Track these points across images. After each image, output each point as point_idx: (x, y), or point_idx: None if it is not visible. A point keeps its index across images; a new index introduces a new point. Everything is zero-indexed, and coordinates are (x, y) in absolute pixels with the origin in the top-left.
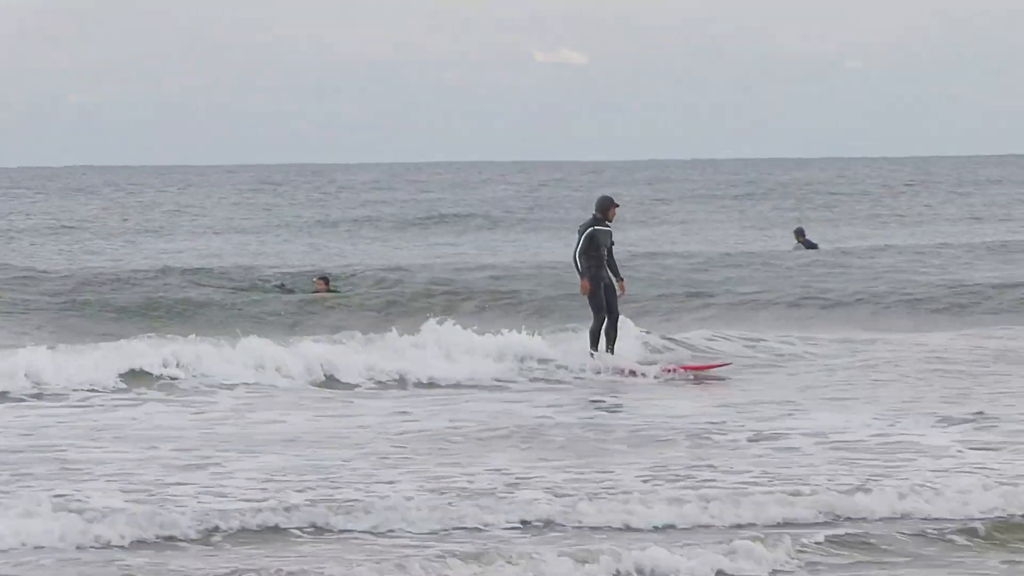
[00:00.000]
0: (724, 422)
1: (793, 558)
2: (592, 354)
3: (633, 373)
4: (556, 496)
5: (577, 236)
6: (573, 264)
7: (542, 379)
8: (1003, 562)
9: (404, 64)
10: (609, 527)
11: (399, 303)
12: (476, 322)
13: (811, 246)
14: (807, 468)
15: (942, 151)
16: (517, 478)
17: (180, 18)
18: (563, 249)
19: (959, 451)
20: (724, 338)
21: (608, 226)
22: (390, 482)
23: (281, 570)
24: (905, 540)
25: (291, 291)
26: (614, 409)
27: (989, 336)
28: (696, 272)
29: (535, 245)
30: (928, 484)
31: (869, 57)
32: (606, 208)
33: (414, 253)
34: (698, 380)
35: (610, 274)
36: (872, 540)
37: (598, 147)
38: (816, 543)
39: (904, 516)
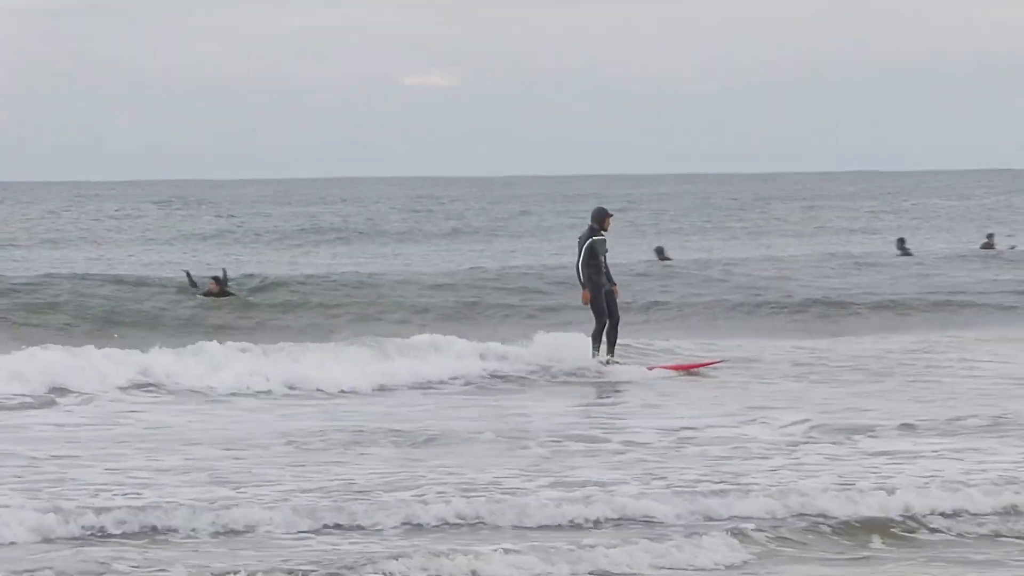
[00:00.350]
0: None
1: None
2: (598, 357)
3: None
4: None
5: (578, 248)
6: (576, 274)
7: (423, 384)
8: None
9: (281, 86)
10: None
11: (291, 309)
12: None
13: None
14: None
15: (776, 168)
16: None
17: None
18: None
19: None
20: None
21: (603, 235)
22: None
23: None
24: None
25: (195, 284)
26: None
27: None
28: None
29: (419, 254)
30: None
31: (707, 81)
32: (602, 219)
33: (317, 262)
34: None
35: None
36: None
37: (463, 164)
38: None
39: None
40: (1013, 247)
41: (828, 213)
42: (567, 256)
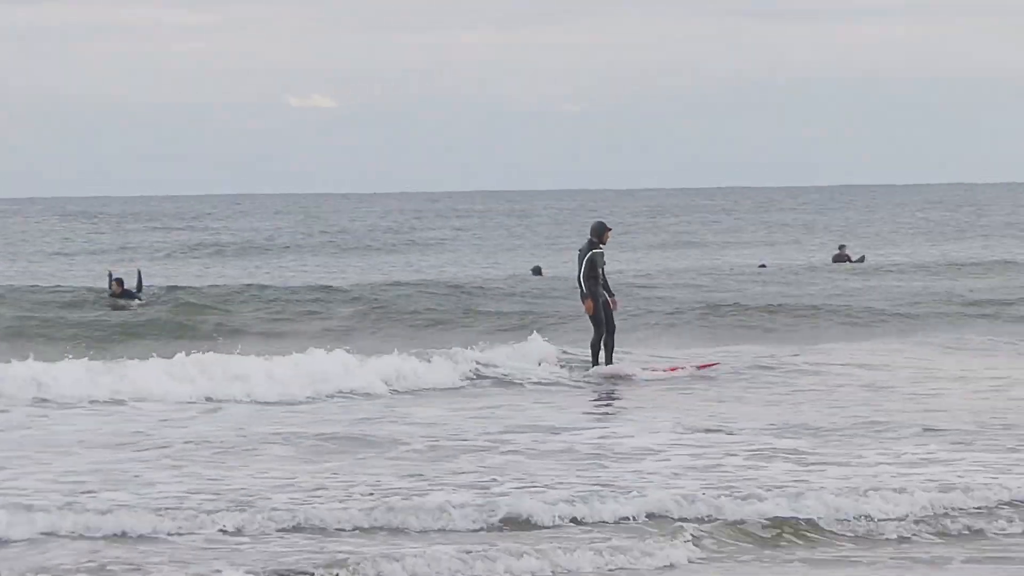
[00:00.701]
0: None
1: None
2: (598, 367)
3: (630, 377)
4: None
5: (578, 261)
6: (578, 286)
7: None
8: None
9: (176, 107)
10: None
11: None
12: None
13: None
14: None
15: (648, 184)
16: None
17: None
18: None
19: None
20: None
21: (602, 248)
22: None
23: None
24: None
25: (119, 280)
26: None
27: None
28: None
29: (326, 266)
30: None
31: (582, 101)
32: (601, 233)
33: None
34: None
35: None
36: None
37: (346, 181)
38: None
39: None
40: (862, 257)
41: (701, 228)
42: (454, 269)
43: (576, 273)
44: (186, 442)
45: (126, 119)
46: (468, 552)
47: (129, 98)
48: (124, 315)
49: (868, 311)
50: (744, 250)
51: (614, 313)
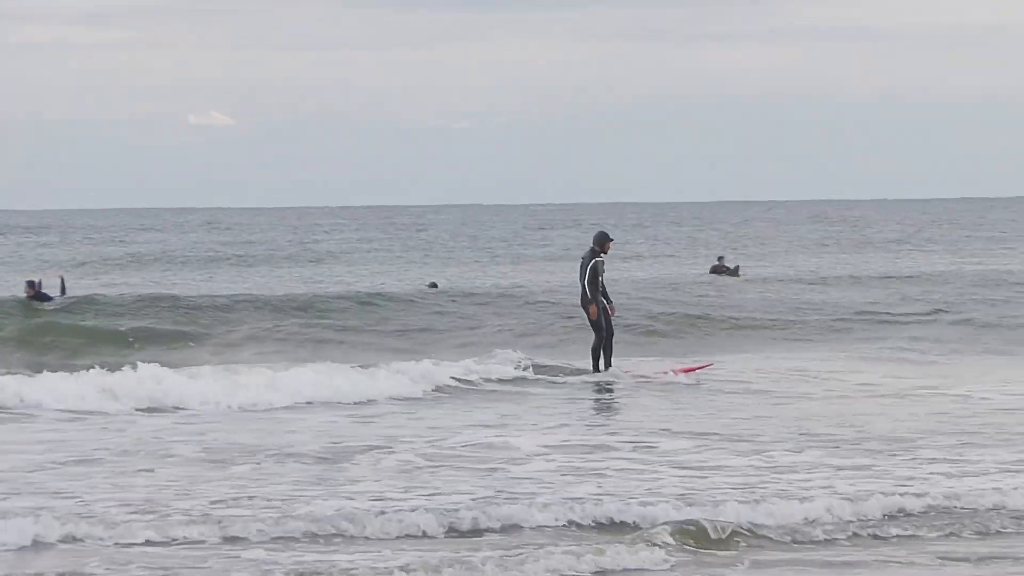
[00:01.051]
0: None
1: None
2: (601, 372)
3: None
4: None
5: (580, 268)
6: (584, 292)
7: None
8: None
9: (77, 124)
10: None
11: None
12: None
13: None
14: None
15: (535, 199)
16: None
17: None
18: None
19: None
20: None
21: (603, 257)
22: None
23: None
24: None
25: (30, 282)
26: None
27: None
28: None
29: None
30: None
31: (476, 119)
32: (603, 242)
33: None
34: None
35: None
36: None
37: (245, 195)
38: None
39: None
40: (737, 267)
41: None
42: (359, 279)
43: (579, 279)
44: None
45: (28, 135)
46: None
47: (31, 114)
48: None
49: (750, 320)
50: (633, 263)
51: (612, 319)
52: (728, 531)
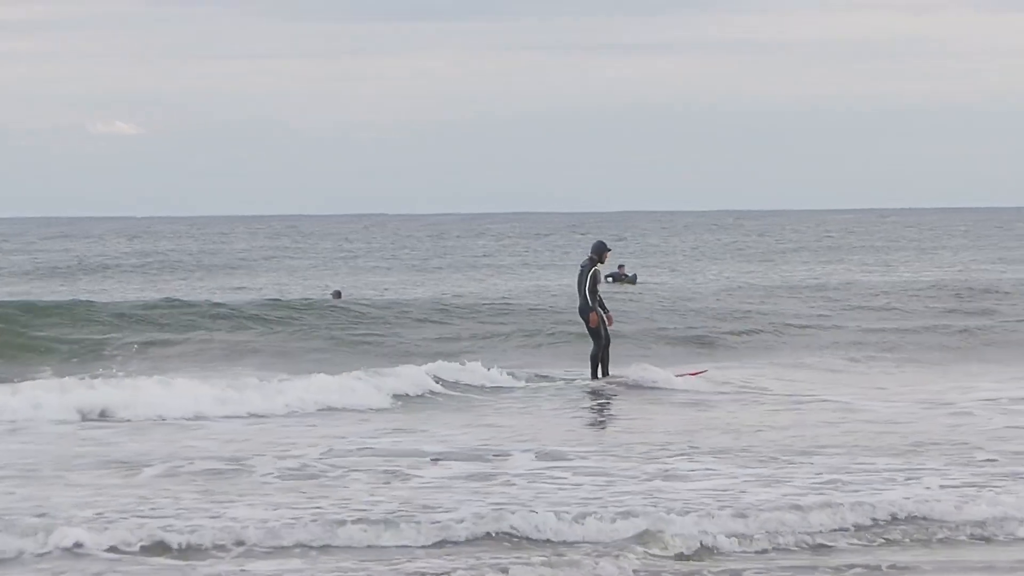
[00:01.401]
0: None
1: None
2: (599, 379)
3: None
4: None
5: (581, 276)
6: (586, 300)
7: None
8: None
9: None
10: None
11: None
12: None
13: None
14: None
15: (425, 209)
16: None
17: None
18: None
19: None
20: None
21: (600, 266)
22: None
23: None
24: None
25: None
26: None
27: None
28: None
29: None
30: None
31: (378, 129)
32: (601, 252)
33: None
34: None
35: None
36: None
37: (149, 204)
38: None
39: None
40: (635, 276)
41: (500, 251)
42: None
43: (577, 289)
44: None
45: None
46: None
47: None
48: None
49: (658, 330)
50: (537, 271)
51: (610, 329)
52: None
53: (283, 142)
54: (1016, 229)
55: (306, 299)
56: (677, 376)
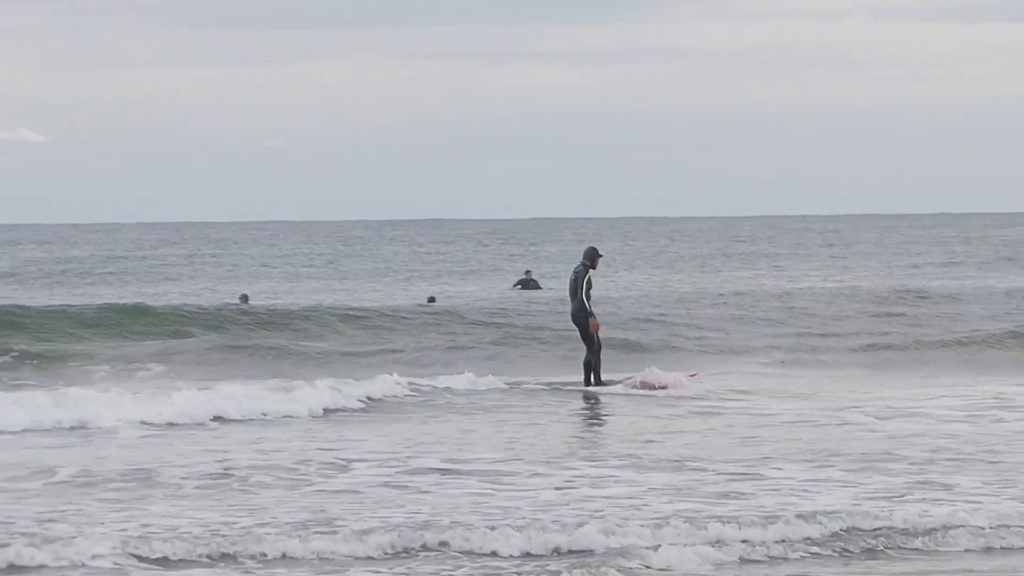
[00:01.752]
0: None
1: None
2: (592, 386)
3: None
4: None
5: (574, 281)
6: (581, 305)
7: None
8: None
9: None
10: None
11: None
12: None
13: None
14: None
15: (346, 216)
16: None
17: None
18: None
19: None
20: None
21: (592, 272)
22: None
23: None
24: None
25: None
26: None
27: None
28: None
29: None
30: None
31: (288, 136)
32: (593, 258)
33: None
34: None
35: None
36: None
37: (56, 211)
38: None
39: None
40: (536, 281)
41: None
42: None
43: (570, 295)
44: None
45: None
46: None
47: None
48: None
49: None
50: (455, 278)
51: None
52: None
53: (190, 150)
54: (929, 235)
55: (209, 304)
56: (689, 376)
